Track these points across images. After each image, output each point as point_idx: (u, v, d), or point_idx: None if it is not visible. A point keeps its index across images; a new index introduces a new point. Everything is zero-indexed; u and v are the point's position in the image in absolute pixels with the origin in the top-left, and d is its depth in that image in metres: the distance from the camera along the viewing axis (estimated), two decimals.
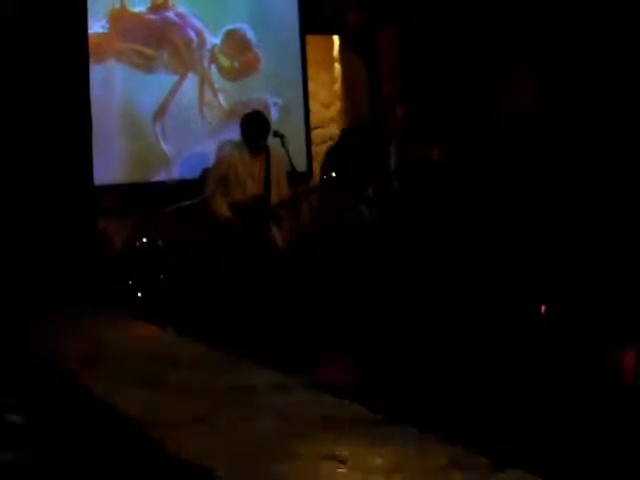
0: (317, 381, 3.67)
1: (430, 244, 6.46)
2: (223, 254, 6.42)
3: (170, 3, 7.66)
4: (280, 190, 6.49)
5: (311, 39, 8.33)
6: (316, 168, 8.39)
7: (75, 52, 6.76)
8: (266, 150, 6.48)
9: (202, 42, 7.78)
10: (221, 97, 7.84)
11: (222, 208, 6.39)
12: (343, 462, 2.65)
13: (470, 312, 5.42)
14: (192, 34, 7.72)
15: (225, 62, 7.91)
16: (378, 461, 2.63)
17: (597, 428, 3.34)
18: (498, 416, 3.46)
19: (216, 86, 7.84)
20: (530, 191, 6.64)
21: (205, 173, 6.96)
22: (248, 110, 6.79)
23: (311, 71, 8.36)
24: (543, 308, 5.50)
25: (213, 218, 6.45)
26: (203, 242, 6.66)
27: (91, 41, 7.08)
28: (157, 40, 7.59)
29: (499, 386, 3.95)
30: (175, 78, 7.66)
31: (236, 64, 7.95)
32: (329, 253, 7.18)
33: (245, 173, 6.44)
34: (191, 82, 7.72)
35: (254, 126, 6.45)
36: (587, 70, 6.40)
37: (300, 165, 7.14)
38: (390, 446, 2.76)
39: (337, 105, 8.75)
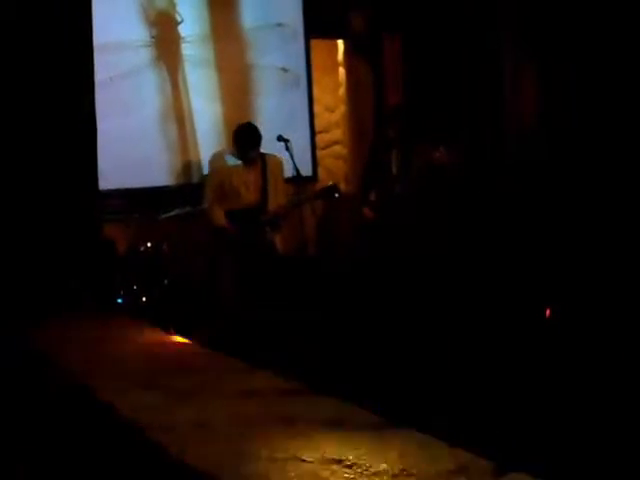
0: (321, 385, 3.65)
1: (434, 247, 6.45)
2: (221, 261, 6.45)
3: (175, 5, 7.66)
4: (277, 197, 6.51)
5: (315, 43, 8.33)
6: (321, 172, 8.39)
7: (80, 55, 6.76)
8: (262, 158, 6.50)
9: (207, 46, 7.78)
10: (226, 101, 7.84)
11: (218, 216, 6.44)
12: (348, 467, 2.62)
13: (473, 315, 5.41)
14: (197, 38, 7.72)
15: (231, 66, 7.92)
16: (383, 466, 2.61)
17: (601, 430, 3.32)
18: (503, 419, 3.44)
19: (221, 90, 7.84)
20: (534, 195, 6.63)
21: (203, 181, 7.00)
22: (250, 116, 6.84)
23: (315, 75, 8.36)
24: (547, 311, 5.49)
25: (211, 226, 6.49)
26: (205, 248, 6.69)
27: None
28: (162, 44, 7.59)
29: (504, 389, 3.93)
30: (179, 82, 7.65)
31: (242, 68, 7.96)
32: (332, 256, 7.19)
33: (240, 182, 6.49)
34: (196, 86, 7.71)
35: (244, 139, 6.49)
36: (593, 75, 6.39)
37: (305, 169, 7.13)
38: (395, 450, 2.74)
39: (341, 109, 8.75)
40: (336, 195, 6.60)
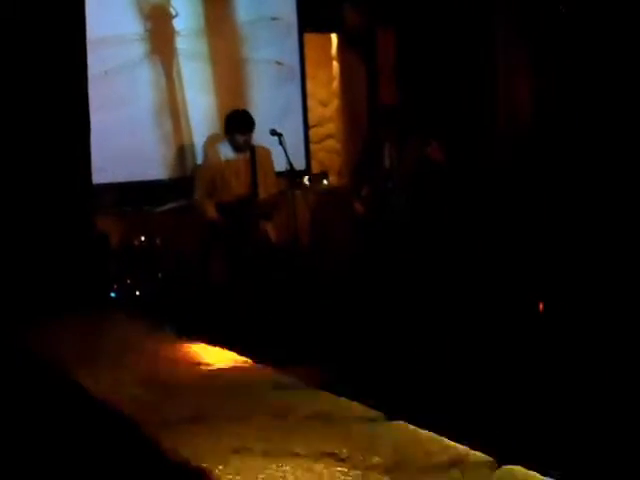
0: (315, 378, 3.66)
1: (426, 242, 6.47)
2: (214, 255, 6.46)
3: (170, 1, 7.66)
4: (268, 188, 6.52)
5: (309, 37, 8.33)
6: (314, 166, 8.39)
7: (73, 48, 6.74)
8: (251, 149, 6.52)
9: (202, 40, 7.78)
10: (220, 95, 7.83)
11: (209, 209, 6.44)
12: (342, 460, 2.63)
13: (469, 310, 5.42)
14: (192, 32, 7.71)
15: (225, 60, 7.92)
16: (378, 459, 2.62)
17: (596, 424, 3.33)
18: (498, 412, 3.45)
19: (215, 84, 7.84)
20: (529, 190, 6.64)
21: (194, 173, 7.00)
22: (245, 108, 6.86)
23: (309, 69, 8.35)
24: (540, 306, 5.51)
25: (201, 219, 6.50)
26: (198, 241, 6.69)
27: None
28: (156, 37, 7.59)
29: (499, 383, 3.95)
30: (173, 76, 7.65)
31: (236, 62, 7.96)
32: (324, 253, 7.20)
33: (230, 173, 6.50)
34: (190, 80, 7.70)
35: (235, 123, 6.50)
36: (588, 75, 6.39)
37: (298, 163, 7.13)
38: (390, 444, 2.75)
39: (335, 103, 8.74)
40: (325, 182, 6.63)
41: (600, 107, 6.30)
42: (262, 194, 6.51)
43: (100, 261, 6.71)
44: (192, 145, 7.61)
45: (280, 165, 6.53)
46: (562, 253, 6.12)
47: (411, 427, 2.90)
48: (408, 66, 8.09)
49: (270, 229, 6.59)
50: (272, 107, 7.80)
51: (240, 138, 6.50)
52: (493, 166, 7.06)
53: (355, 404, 3.24)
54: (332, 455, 2.68)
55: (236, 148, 6.54)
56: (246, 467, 2.66)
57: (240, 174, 6.54)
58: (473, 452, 2.61)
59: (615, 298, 5.28)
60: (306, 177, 6.62)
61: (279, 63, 8.00)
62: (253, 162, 6.54)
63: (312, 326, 5.44)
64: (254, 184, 6.52)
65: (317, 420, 3.09)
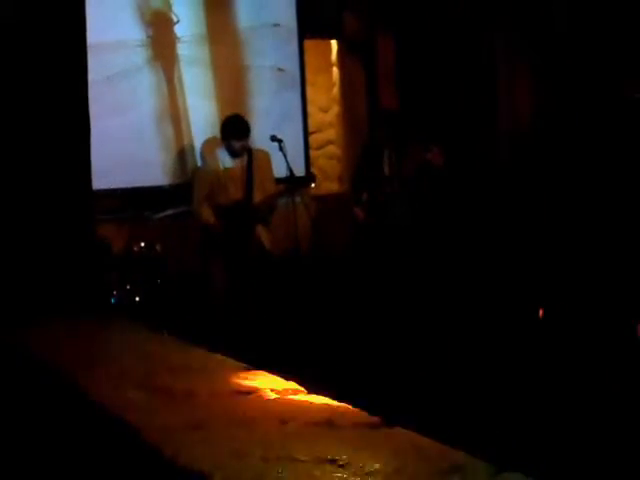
0: (315, 384, 3.66)
1: (426, 247, 6.47)
2: (212, 260, 6.47)
3: (171, 6, 7.67)
4: (264, 191, 6.52)
5: (309, 43, 8.34)
6: (314, 172, 8.39)
7: (73, 54, 6.75)
8: (248, 153, 6.53)
9: (203, 46, 7.79)
10: (221, 101, 7.84)
11: (206, 214, 6.46)
12: (342, 466, 2.63)
13: (469, 315, 5.43)
14: (193, 38, 7.72)
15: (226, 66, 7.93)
16: (377, 465, 2.62)
17: (595, 429, 3.33)
18: (498, 419, 3.46)
19: (216, 90, 7.85)
20: (529, 194, 6.65)
21: (193, 177, 7.01)
22: (245, 116, 6.86)
23: (309, 75, 8.36)
24: (540, 312, 5.51)
25: (199, 224, 6.51)
26: (198, 247, 6.70)
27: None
28: (158, 43, 7.60)
29: (499, 389, 3.95)
30: (174, 81, 7.66)
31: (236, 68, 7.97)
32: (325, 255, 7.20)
33: (228, 179, 6.51)
34: (191, 86, 7.71)
35: (230, 129, 6.52)
36: (589, 74, 6.40)
37: (298, 170, 7.13)
38: (389, 450, 2.75)
39: (335, 109, 8.75)
40: (312, 185, 6.69)
41: (601, 110, 6.31)
42: (258, 197, 6.51)
43: (100, 267, 6.72)
44: (193, 151, 7.62)
45: (280, 171, 6.53)
46: (563, 259, 6.13)
47: (411, 433, 2.90)
48: (408, 72, 8.11)
49: (264, 234, 6.58)
50: (272, 113, 7.82)
51: (236, 144, 6.51)
52: (493, 171, 7.07)
53: (355, 410, 3.24)
54: (332, 461, 2.68)
55: (233, 154, 6.55)
56: (245, 473, 2.66)
57: (238, 179, 6.55)
58: (473, 459, 2.61)
59: (616, 303, 5.29)
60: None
61: (279, 69, 8.01)
62: (250, 165, 6.55)
63: (312, 332, 5.44)
64: (249, 187, 6.52)
65: (317, 426, 3.09)
